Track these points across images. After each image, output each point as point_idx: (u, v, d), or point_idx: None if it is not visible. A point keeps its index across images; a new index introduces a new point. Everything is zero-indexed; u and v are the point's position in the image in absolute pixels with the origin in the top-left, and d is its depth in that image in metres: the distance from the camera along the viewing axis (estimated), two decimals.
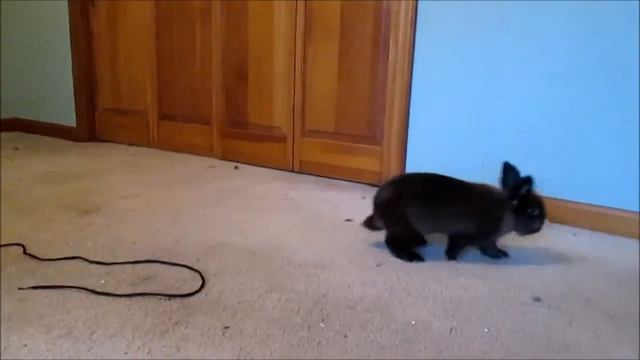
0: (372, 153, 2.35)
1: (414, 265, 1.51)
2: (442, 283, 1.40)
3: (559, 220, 1.93)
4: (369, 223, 1.64)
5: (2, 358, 1.00)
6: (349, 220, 1.88)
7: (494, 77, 2.02)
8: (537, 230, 1.54)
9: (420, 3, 2.10)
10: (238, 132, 2.73)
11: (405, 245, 1.57)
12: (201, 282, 1.33)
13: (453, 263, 1.54)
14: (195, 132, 2.88)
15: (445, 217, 1.53)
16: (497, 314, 1.25)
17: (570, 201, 1.94)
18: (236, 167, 2.64)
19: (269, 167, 2.64)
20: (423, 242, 1.63)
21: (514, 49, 1.97)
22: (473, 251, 1.62)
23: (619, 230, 1.84)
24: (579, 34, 1.85)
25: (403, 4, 2.13)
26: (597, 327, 1.21)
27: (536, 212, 1.52)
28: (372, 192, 2.21)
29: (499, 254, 1.59)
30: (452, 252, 1.57)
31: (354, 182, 2.40)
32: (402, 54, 2.16)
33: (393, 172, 2.26)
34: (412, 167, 2.22)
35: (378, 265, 1.49)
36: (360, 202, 2.12)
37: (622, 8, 1.76)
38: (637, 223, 1.81)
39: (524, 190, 1.49)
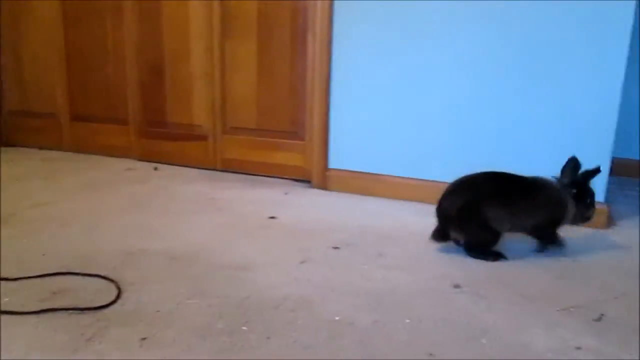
0: (296, 148, 2.33)
1: (338, 261, 1.51)
2: (367, 277, 1.41)
3: None
4: (440, 235, 1.59)
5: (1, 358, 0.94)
6: (273, 217, 1.86)
7: (413, 71, 2.05)
8: (590, 218, 1.62)
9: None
10: (157, 132, 2.64)
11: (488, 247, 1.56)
12: (117, 292, 1.26)
13: (378, 258, 1.55)
14: (112, 133, 2.76)
15: (521, 213, 1.54)
16: (419, 304, 1.27)
17: None
18: (156, 168, 2.55)
19: (191, 167, 2.56)
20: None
21: (433, 43, 2.01)
22: (394, 245, 1.64)
23: None
24: (497, 30, 1.91)
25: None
26: (514, 310, 1.26)
27: (589, 201, 1.60)
28: (296, 187, 2.24)
29: (562, 243, 1.62)
30: (547, 243, 1.61)
31: (279, 178, 2.38)
32: (320, 50, 2.16)
33: (316, 167, 2.25)
34: (335, 162, 2.22)
35: (302, 263, 1.48)
36: (284, 198, 2.10)
37: (537, 7, 1.84)
38: None
39: (589, 180, 1.58)
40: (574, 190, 1.57)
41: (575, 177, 1.58)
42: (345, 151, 2.21)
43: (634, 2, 1.74)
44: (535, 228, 1.59)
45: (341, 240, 1.65)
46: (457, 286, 1.37)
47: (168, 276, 1.37)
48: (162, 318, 1.16)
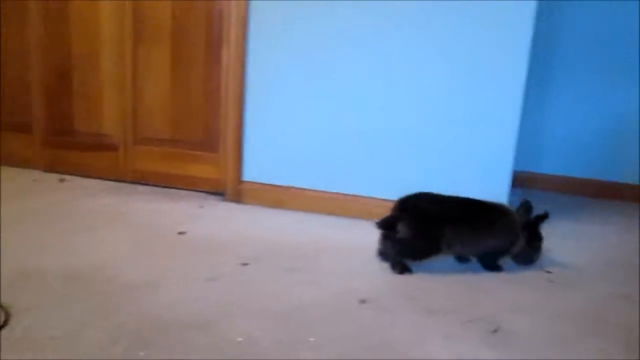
0: (210, 160, 2.29)
1: (246, 278, 1.48)
2: (274, 294, 1.40)
3: None
4: (387, 224, 1.58)
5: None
6: (182, 233, 1.81)
7: (328, 85, 2.07)
8: (534, 262, 1.70)
9: (251, 5, 2.08)
10: (63, 141, 2.50)
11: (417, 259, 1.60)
12: (4, 318, 1.18)
13: (287, 273, 1.54)
14: (14, 142, 2.59)
15: (479, 237, 1.61)
16: (324, 321, 1.27)
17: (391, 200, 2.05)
18: (62, 180, 2.42)
19: (101, 179, 2.45)
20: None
21: (351, 57, 2.03)
22: (304, 260, 1.64)
23: None
24: (417, 40, 1.97)
25: (233, 4, 2.09)
26: (417, 324, 1.28)
27: (537, 245, 1.68)
28: (209, 200, 2.19)
29: (500, 268, 1.67)
30: (492, 265, 1.66)
31: (193, 190, 2.32)
32: (235, 58, 2.13)
33: (230, 179, 2.22)
34: (249, 174, 2.20)
35: (208, 280, 1.45)
36: (196, 212, 2.06)
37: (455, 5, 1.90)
38: None
39: (539, 225, 1.65)
40: (526, 232, 1.66)
41: (528, 219, 1.67)
42: (260, 163, 2.19)
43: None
44: (485, 253, 1.66)
45: (251, 256, 1.63)
46: (363, 301, 1.38)
47: (64, 298, 1.30)
48: (54, 345, 1.09)
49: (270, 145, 2.17)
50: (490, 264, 1.67)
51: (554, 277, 1.64)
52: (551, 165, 2.82)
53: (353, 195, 2.10)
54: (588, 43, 2.70)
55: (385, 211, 2.02)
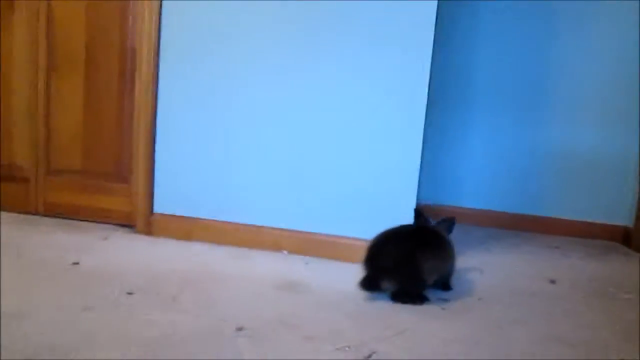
0: (122, 192, 2.25)
1: (126, 307, 1.44)
2: (151, 323, 1.36)
3: (294, 250, 2.03)
4: (370, 284, 1.61)
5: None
6: (76, 263, 1.75)
7: (235, 118, 2.08)
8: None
9: (162, 37, 2.09)
10: None
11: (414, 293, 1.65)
12: None
13: (171, 302, 1.50)
14: None
15: (444, 261, 1.70)
16: (193, 350, 1.23)
17: (303, 232, 2.05)
18: None
19: (10, 212, 2.37)
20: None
21: (256, 83, 2.05)
22: (192, 290, 1.61)
23: (349, 257, 1.98)
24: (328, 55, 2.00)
25: (145, 36, 2.10)
26: (291, 351, 1.26)
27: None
28: (118, 232, 2.14)
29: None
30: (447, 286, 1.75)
31: (104, 223, 2.26)
32: (146, 89, 2.13)
33: (141, 211, 2.18)
34: (160, 206, 2.17)
35: (85, 310, 1.40)
36: (98, 244, 2.00)
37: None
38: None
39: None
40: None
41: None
42: (171, 194, 2.16)
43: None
44: (448, 275, 1.75)
45: (139, 286, 1.58)
46: (240, 329, 1.36)
47: None
48: None
49: (181, 177, 2.15)
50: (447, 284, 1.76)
51: (449, 305, 1.65)
52: (470, 199, 2.88)
53: (261, 227, 2.09)
54: (502, 83, 2.81)
55: (294, 242, 2.04)
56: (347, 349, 1.30)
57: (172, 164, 2.15)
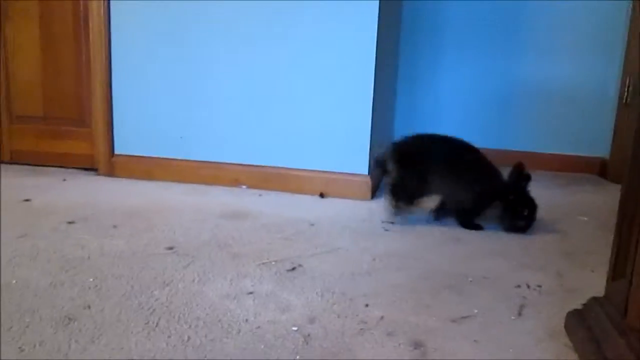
0: (83, 136, 2.26)
1: (62, 234, 1.46)
2: (80, 245, 1.38)
3: (252, 185, 2.04)
4: (380, 165, 1.71)
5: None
6: (27, 200, 1.78)
7: (190, 55, 2.05)
8: (521, 229, 1.62)
9: None
10: None
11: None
12: None
13: (108, 229, 1.52)
14: None
15: (461, 178, 1.63)
16: (114, 265, 1.25)
17: (261, 166, 2.05)
18: None
19: None
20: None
21: (210, 27, 2.02)
22: (134, 220, 1.62)
23: (304, 189, 1.99)
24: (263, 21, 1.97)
25: None
26: (214, 266, 1.27)
27: (525, 213, 1.61)
28: (81, 175, 2.16)
29: (479, 226, 1.66)
30: (469, 222, 1.66)
31: (69, 168, 2.28)
32: (99, 35, 2.12)
33: (103, 154, 2.19)
34: (121, 148, 2.18)
35: (21, 237, 1.42)
36: (56, 184, 2.03)
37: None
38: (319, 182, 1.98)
39: (523, 186, 1.61)
40: (511, 197, 1.61)
41: (519, 184, 1.63)
42: (130, 136, 2.17)
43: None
44: (463, 207, 1.67)
45: (83, 217, 1.61)
46: (170, 248, 1.37)
47: None
48: None
49: (140, 118, 2.15)
50: (466, 220, 1.67)
51: (393, 227, 1.64)
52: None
53: (220, 163, 2.09)
54: (475, 15, 2.73)
55: (252, 177, 2.04)
56: (273, 263, 1.31)
57: (130, 106, 2.15)
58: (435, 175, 1.64)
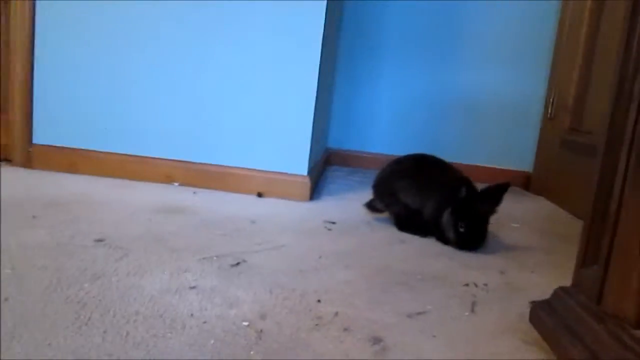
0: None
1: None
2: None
3: (186, 182, 1.93)
4: (370, 206, 1.74)
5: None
6: None
7: (119, 41, 1.93)
8: (452, 244, 1.48)
9: None
10: None
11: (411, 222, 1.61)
12: None
13: (26, 222, 1.37)
14: None
15: (421, 193, 1.59)
16: (40, 258, 1.12)
17: (196, 163, 1.95)
18: None
19: None
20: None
21: (136, 13, 1.90)
22: (54, 210, 1.48)
23: (240, 188, 1.91)
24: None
25: None
26: (148, 259, 1.17)
27: (462, 229, 1.43)
28: None
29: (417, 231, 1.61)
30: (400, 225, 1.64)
31: None
32: (22, 18, 1.94)
33: (19, 141, 2.00)
34: (40, 137, 1.99)
35: None
36: None
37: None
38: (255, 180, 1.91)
39: (460, 195, 1.43)
40: (450, 208, 1.47)
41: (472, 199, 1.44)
42: (52, 125, 1.99)
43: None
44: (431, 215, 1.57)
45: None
46: (99, 240, 1.25)
47: None
48: None
49: (63, 106, 1.98)
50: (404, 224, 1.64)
51: (335, 227, 1.60)
52: (376, 145, 2.84)
53: (151, 158, 1.96)
54: (411, 29, 2.77)
55: (186, 174, 1.93)
56: (215, 258, 1.22)
57: (53, 92, 1.98)
58: (402, 192, 1.63)
